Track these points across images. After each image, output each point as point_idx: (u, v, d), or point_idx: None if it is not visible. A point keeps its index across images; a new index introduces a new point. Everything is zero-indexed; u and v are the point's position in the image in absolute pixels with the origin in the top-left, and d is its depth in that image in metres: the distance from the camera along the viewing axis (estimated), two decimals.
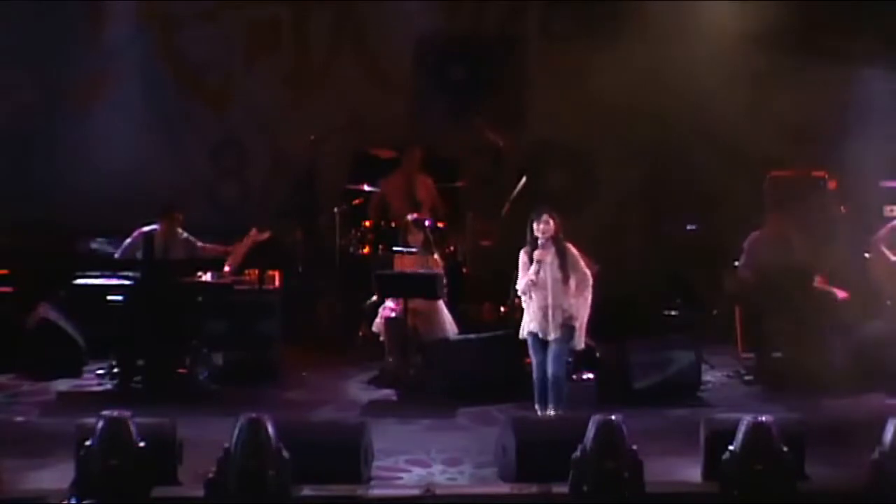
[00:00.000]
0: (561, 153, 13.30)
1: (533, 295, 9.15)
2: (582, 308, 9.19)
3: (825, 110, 13.12)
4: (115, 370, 10.58)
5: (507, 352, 10.50)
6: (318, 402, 10.32)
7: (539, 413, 9.24)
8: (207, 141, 13.12)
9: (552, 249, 9.12)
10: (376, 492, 8.27)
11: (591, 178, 13.32)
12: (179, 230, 11.09)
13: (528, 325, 9.23)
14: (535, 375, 9.28)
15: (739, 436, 7.81)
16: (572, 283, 9.13)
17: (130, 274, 10.58)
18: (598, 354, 10.93)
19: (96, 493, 7.84)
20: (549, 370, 9.13)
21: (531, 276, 9.11)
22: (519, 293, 9.31)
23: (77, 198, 12.59)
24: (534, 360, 9.27)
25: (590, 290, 9.26)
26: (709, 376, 10.87)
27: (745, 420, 7.79)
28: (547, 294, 9.08)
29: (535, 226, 9.19)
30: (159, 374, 10.42)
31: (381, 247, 11.78)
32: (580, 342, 9.24)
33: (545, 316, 9.10)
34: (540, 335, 9.16)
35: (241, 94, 13.08)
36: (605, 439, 8.00)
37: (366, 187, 12.34)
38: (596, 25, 12.93)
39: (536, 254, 9.13)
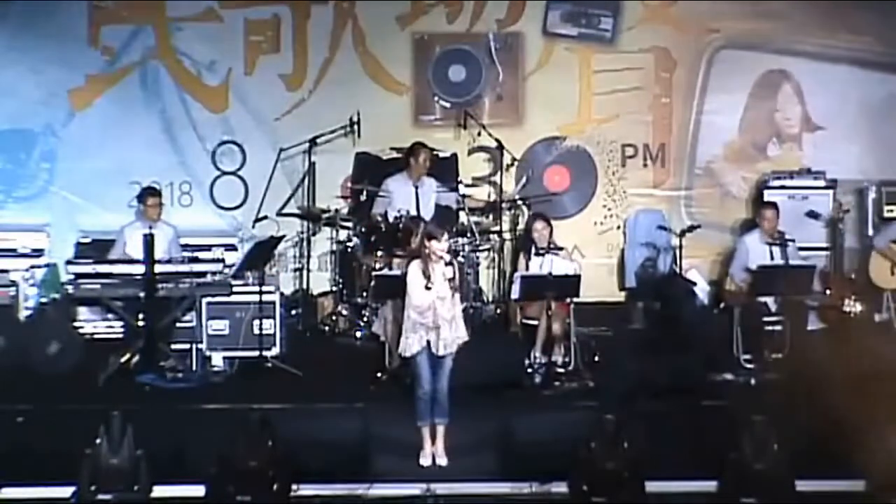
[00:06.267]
0: (561, 152, 13.30)
1: (428, 311, 9.01)
2: (462, 321, 9.16)
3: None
4: (117, 369, 10.61)
5: (506, 351, 10.50)
6: (319, 401, 10.32)
7: (426, 428, 9.11)
8: (207, 141, 13.11)
9: (443, 265, 9.03)
10: (376, 491, 8.29)
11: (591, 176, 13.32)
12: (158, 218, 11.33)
13: (420, 340, 9.04)
14: (422, 391, 9.07)
15: (739, 436, 7.84)
16: (457, 297, 9.10)
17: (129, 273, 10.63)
18: (597, 355, 10.95)
19: (98, 493, 7.87)
20: (444, 386, 9.03)
21: (432, 296, 8.95)
22: (419, 310, 9.03)
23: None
24: (424, 376, 9.05)
25: None
26: (709, 376, 10.86)
27: (745, 420, 7.81)
28: (441, 310, 8.98)
29: (433, 243, 9.00)
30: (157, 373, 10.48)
31: (381, 247, 11.78)
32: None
33: (439, 331, 8.99)
34: (432, 350, 9.02)
35: (241, 94, 13.08)
36: (605, 439, 8.03)
37: (367, 187, 12.32)
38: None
39: (442, 271, 9.00)
